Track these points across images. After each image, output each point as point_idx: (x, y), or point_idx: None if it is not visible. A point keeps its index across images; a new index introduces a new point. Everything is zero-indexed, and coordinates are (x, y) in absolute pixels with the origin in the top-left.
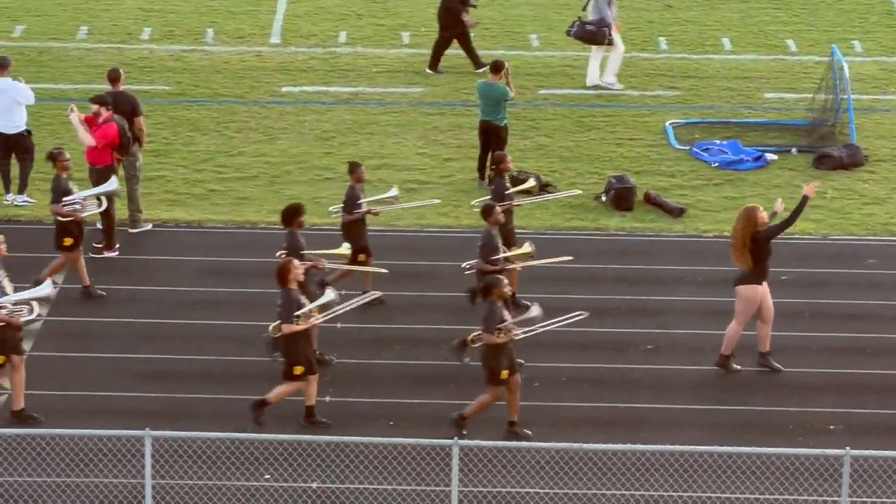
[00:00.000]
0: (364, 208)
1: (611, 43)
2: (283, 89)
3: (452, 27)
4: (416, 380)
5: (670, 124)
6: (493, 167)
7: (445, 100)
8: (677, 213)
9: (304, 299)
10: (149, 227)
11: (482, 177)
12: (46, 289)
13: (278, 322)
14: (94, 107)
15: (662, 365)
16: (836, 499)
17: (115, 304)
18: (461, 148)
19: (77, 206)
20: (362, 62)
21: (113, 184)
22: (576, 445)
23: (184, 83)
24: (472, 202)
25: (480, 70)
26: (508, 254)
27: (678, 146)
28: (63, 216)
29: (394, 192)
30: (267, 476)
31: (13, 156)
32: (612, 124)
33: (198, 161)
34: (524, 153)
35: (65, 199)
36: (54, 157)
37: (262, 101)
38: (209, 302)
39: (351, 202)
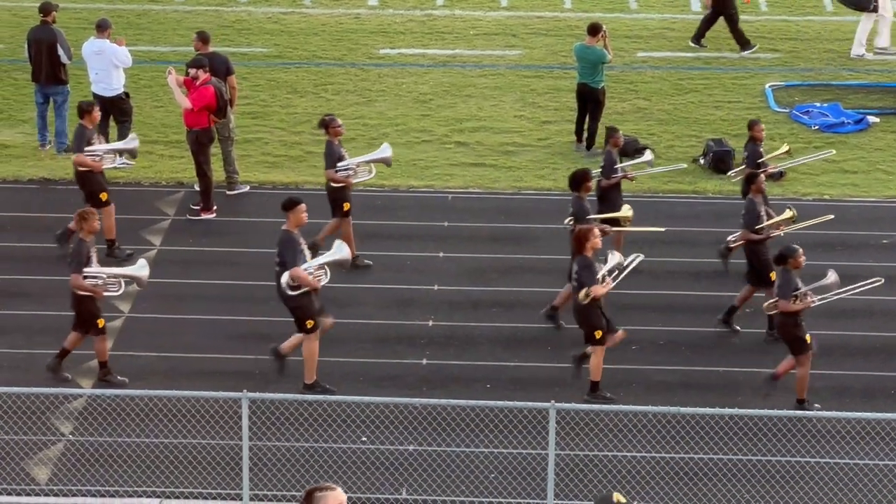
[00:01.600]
0: (620, 173)
1: (875, 10)
2: (381, 52)
3: (723, 5)
4: (513, 342)
5: (770, 87)
6: (749, 133)
7: (543, 62)
8: (776, 176)
9: (598, 265)
10: (246, 188)
11: (580, 139)
12: (342, 252)
13: (584, 289)
14: (192, 70)
15: (760, 328)
16: None
17: (211, 265)
18: (559, 111)
19: (350, 173)
20: (460, 24)
21: (386, 150)
22: (672, 409)
23: (281, 45)
24: (729, 173)
25: (746, 53)
26: (772, 220)
27: (778, 109)
28: (336, 182)
29: (648, 156)
30: (363, 439)
31: (112, 118)
32: (710, 87)
33: (295, 123)
34: (622, 116)
35: (339, 164)
36: (326, 124)
37: (360, 63)
38: None
39: (609, 166)
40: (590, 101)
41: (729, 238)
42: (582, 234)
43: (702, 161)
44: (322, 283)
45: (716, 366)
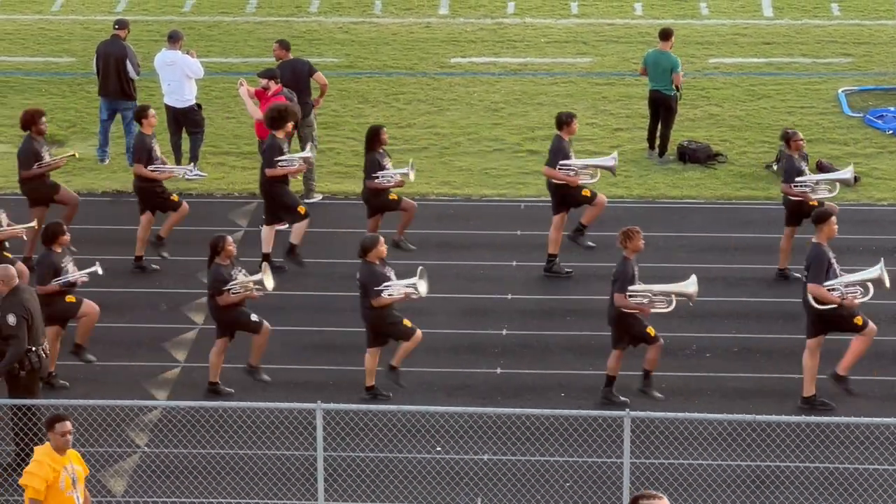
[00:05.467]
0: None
1: None
2: (452, 60)
3: None
4: (587, 350)
5: (843, 91)
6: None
7: (615, 70)
8: (851, 181)
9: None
10: (319, 198)
11: (652, 147)
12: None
13: None
14: (263, 81)
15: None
16: None
17: (285, 276)
18: (630, 118)
19: (808, 188)
20: (531, 32)
21: (847, 173)
22: (748, 417)
23: (352, 55)
24: None
25: None
26: None
27: (851, 114)
28: (794, 196)
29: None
30: (438, 448)
31: (184, 130)
32: (782, 92)
33: None
34: (694, 123)
35: (797, 179)
36: (788, 137)
37: (431, 72)
38: None
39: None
40: (662, 107)
41: None
42: None
43: (774, 167)
44: (859, 301)
45: (791, 373)
